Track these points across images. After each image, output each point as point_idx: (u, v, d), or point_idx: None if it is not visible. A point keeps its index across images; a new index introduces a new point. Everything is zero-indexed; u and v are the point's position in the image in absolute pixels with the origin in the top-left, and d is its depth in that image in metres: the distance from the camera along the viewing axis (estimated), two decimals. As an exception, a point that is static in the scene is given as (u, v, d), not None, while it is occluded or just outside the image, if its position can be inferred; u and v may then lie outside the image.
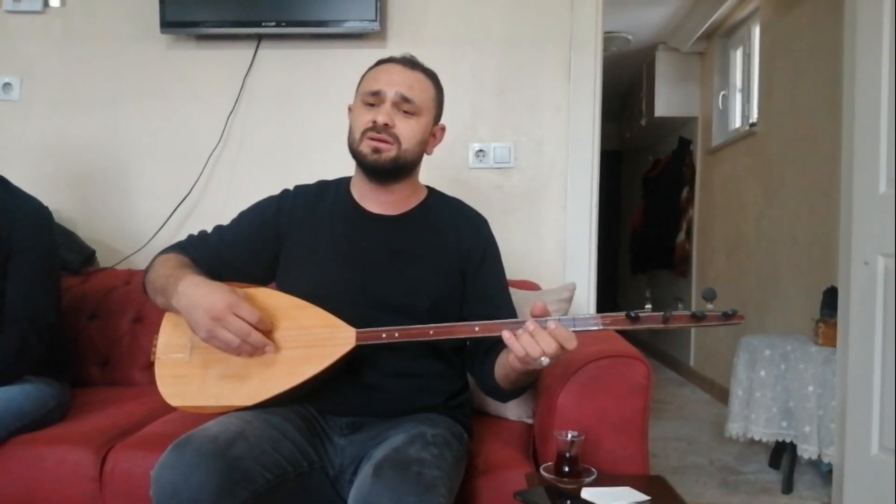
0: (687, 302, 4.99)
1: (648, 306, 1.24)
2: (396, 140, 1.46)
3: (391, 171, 1.49)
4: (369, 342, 1.34)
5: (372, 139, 1.45)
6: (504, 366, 1.35)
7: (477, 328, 1.30)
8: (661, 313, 1.21)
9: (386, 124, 1.44)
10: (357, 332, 1.35)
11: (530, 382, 1.43)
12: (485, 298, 1.53)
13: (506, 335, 1.23)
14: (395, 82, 1.47)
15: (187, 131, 2.53)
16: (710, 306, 1.21)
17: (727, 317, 1.20)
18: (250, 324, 1.30)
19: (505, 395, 1.48)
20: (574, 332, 1.22)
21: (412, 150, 1.49)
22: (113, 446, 1.59)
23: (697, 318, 1.21)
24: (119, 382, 2.16)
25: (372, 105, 1.47)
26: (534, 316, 1.24)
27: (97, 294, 2.23)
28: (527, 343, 1.21)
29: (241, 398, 1.36)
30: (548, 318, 1.23)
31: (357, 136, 1.48)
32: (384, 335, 1.33)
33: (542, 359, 1.21)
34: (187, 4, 2.41)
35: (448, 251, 1.54)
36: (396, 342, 1.34)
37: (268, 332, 1.35)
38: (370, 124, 1.45)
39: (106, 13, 2.54)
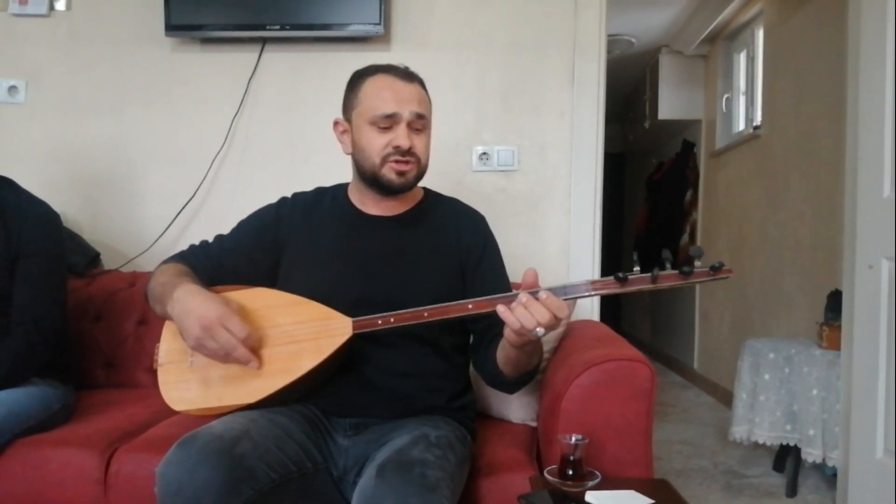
0: (690, 304, 4.98)
1: (637, 268, 1.23)
2: (417, 159, 1.49)
3: (413, 187, 1.53)
4: (366, 330, 1.36)
5: (397, 163, 1.46)
6: (504, 347, 1.36)
7: (470, 305, 1.31)
8: (649, 274, 1.20)
9: (409, 147, 1.46)
10: (353, 322, 1.37)
11: (533, 366, 1.43)
12: (485, 295, 1.53)
13: (500, 309, 1.24)
14: (405, 100, 1.47)
15: (192, 134, 2.54)
16: (698, 263, 1.19)
17: (715, 270, 1.18)
18: (238, 338, 1.32)
19: (509, 384, 1.48)
20: (566, 300, 1.23)
21: (427, 162, 1.53)
22: (117, 448, 1.59)
23: (685, 274, 1.19)
24: (124, 384, 2.16)
25: (384, 127, 1.47)
26: (525, 284, 1.25)
27: (102, 296, 2.23)
28: (521, 315, 1.21)
29: (243, 397, 1.38)
30: (539, 288, 1.23)
31: (377, 160, 1.48)
32: (380, 321, 1.35)
33: (538, 329, 1.21)
34: (192, 7, 2.42)
35: (447, 250, 1.55)
36: (394, 331, 1.35)
37: (255, 350, 1.36)
38: (391, 149, 1.46)
39: (111, 16, 2.55)
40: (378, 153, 1.47)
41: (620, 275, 1.21)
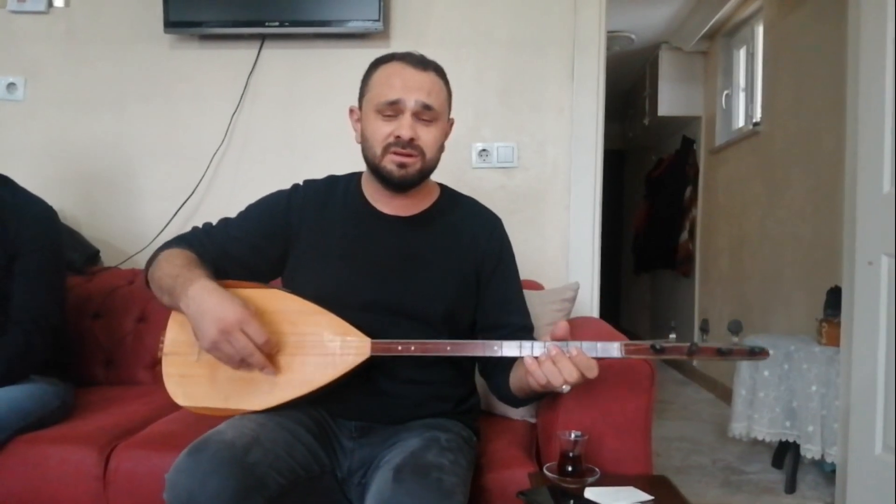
0: (690, 301, 4.99)
1: (673, 336, 1.23)
2: (421, 152, 1.41)
3: (417, 182, 1.45)
4: (383, 354, 1.32)
5: (397, 154, 1.40)
6: (521, 379, 1.33)
7: (496, 348, 1.28)
8: (687, 345, 1.20)
9: (411, 138, 1.39)
10: (371, 343, 1.32)
11: (545, 393, 1.42)
12: (499, 303, 1.51)
13: (528, 361, 1.22)
14: (413, 88, 1.39)
15: (191, 131, 2.53)
16: (735, 339, 1.21)
17: (753, 354, 1.20)
18: (256, 344, 1.27)
19: (518, 403, 1.48)
20: (596, 358, 1.22)
21: (435, 157, 1.45)
22: (117, 445, 1.59)
23: (723, 353, 1.20)
24: (123, 382, 2.16)
25: (389, 115, 1.40)
26: (555, 338, 1.23)
27: (101, 293, 2.23)
28: (549, 370, 1.20)
29: (251, 403, 1.34)
30: (570, 342, 1.22)
31: (378, 150, 1.41)
32: (399, 348, 1.31)
33: (564, 386, 1.20)
34: (191, 4, 2.41)
35: (463, 255, 1.50)
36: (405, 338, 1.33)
37: (271, 356, 1.32)
38: (392, 139, 1.39)
39: (110, 13, 2.54)
40: (380, 142, 1.40)
41: (657, 346, 1.21)
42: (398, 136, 1.39)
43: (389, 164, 1.41)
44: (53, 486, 1.55)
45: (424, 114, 1.40)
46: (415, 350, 1.31)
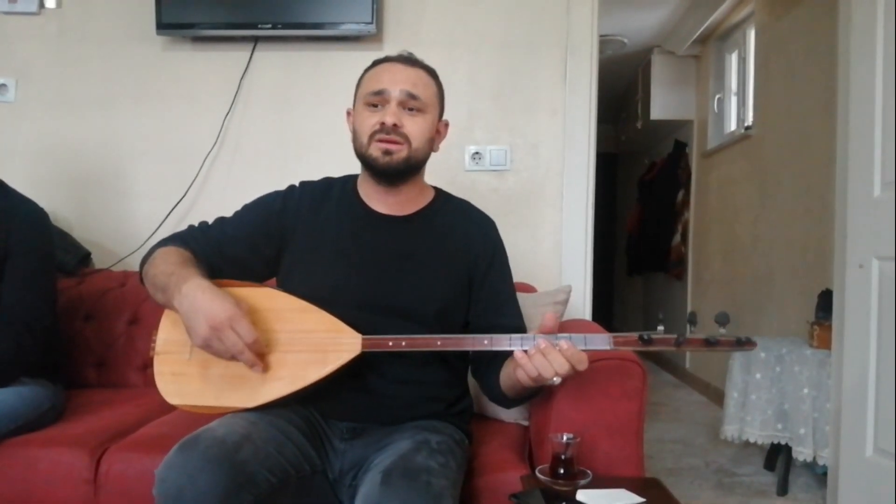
0: (682, 303, 5.00)
1: (661, 328, 1.24)
2: (406, 140, 1.43)
3: (403, 171, 1.46)
4: (375, 350, 1.33)
5: (382, 141, 1.42)
6: (511, 376, 1.34)
7: (486, 341, 1.29)
8: (674, 336, 1.22)
9: (395, 124, 1.41)
10: (363, 339, 1.33)
11: (536, 391, 1.42)
12: (491, 305, 1.51)
13: (518, 354, 1.23)
14: (399, 80, 1.43)
15: (183, 133, 2.53)
16: (722, 331, 1.23)
17: (740, 344, 1.22)
18: (246, 342, 1.28)
19: (510, 403, 1.48)
20: (585, 350, 1.23)
21: (422, 148, 1.47)
22: (108, 448, 1.58)
23: (710, 343, 1.22)
24: (115, 384, 2.15)
25: (376, 106, 1.44)
26: (543, 331, 1.24)
27: (93, 295, 2.22)
28: (539, 364, 1.21)
29: (243, 400, 1.34)
30: (559, 335, 1.23)
31: (364, 139, 1.44)
32: (391, 343, 1.32)
33: (555, 379, 1.21)
34: (183, 6, 2.41)
35: (456, 256, 1.51)
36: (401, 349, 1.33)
37: (261, 354, 1.33)
38: (377, 126, 1.42)
39: (102, 14, 2.54)
40: (367, 132, 1.43)
41: (645, 336, 1.23)
42: (383, 123, 1.41)
43: (375, 150, 1.43)
44: (44, 489, 1.54)
45: (410, 103, 1.43)
46: (406, 345, 1.31)
